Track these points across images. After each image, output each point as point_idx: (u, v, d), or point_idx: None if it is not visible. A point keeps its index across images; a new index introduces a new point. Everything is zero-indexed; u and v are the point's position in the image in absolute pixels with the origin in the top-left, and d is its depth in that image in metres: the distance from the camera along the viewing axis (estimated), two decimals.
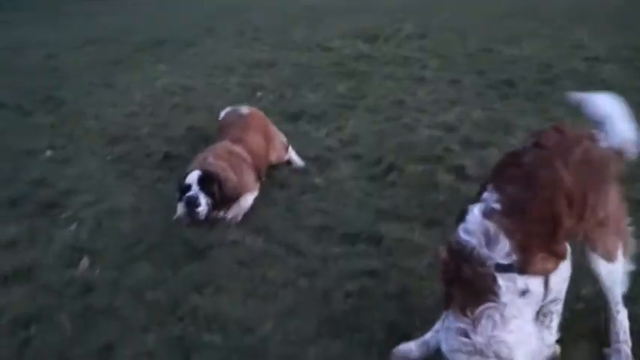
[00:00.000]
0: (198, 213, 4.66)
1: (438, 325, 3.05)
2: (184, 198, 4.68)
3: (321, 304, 3.70)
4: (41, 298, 3.89)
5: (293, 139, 6.12)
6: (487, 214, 2.64)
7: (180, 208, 4.78)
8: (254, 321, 3.56)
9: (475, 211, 2.69)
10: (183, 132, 6.71)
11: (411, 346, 3.17)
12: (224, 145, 5.26)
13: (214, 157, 5.00)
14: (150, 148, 6.31)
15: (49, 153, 6.43)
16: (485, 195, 2.75)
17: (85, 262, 4.26)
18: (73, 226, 4.79)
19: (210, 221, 4.70)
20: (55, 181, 5.64)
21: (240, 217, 4.82)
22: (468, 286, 2.57)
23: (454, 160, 5.51)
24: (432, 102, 7.29)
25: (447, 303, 2.69)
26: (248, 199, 5.00)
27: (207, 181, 4.73)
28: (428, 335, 3.16)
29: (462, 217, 2.76)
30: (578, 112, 3.33)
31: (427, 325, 3.40)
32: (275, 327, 3.50)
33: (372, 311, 3.58)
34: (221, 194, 4.77)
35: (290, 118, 6.97)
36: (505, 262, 2.55)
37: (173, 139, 6.51)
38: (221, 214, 4.81)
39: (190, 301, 3.74)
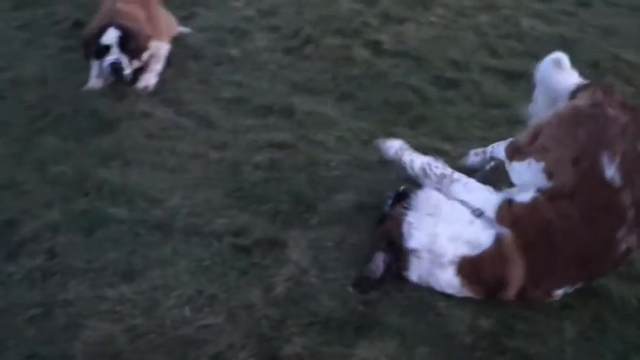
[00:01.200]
0: (125, 76, 4.53)
1: None
2: (108, 64, 4.49)
3: (229, 176, 3.72)
4: None
5: (210, 9, 5.91)
6: None
7: (96, 71, 4.60)
8: (162, 193, 3.55)
9: None
10: None
11: None
12: None
13: (124, 2, 4.74)
14: (58, 15, 5.95)
15: None
16: None
17: None
18: None
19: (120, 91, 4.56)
20: None
21: (152, 83, 4.65)
22: None
23: (371, 35, 5.48)
24: None
25: None
26: (162, 50, 4.88)
27: (126, 40, 4.52)
28: None
29: None
30: None
31: (332, 194, 3.51)
32: (182, 199, 3.51)
33: (279, 182, 3.64)
34: (137, 48, 4.61)
35: None
36: None
37: (84, 5, 6.13)
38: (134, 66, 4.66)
39: (97, 174, 3.67)
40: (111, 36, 4.48)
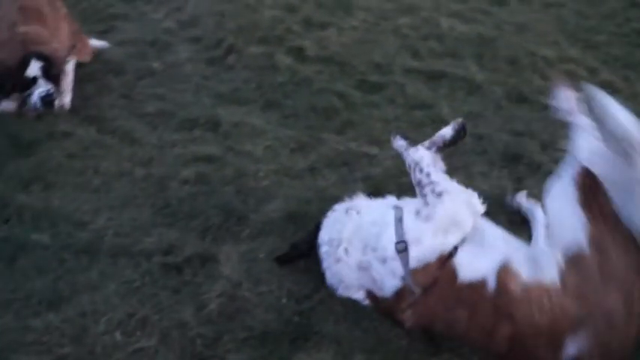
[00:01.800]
0: (56, 106, 4.41)
1: None
2: (39, 97, 4.33)
3: (156, 193, 3.64)
4: None
5: (129, 22, 5.81)
6: None
7: (12, 102, 4.42)
8: (86, 215, 3.45)
9: None
10: None
11: None
12: None
13: (30, 20, 4.52)
14: None
15: None
16: None
17: None
18: None
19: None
20: None
21: (68, 101, 4.51)
22: None
23: (294, 41, 5.50)
24: None
25: None
26: (69, 65, 4.71)
27: (49, 68, 4.40)
28: None
29: None
30: None
31: (262, 205, 3.50)
32: (108, 220, 3.41)
33: (208, 196, 3.59)
34: (58, 73, 4.52)
35: None
36: None
37: None
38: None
39: (17, 200, 3.52)
40: (34, 67, 4.35)
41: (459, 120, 3.07)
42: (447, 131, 3.03)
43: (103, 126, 4.31)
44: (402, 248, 2.68)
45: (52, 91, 4.35)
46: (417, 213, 2.75)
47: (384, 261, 2.73)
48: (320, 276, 2.99)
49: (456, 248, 2.67)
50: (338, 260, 2.88)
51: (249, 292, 2.95)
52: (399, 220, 2.77)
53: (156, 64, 5.15)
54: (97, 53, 5.24)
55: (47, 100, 4.34)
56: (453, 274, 2.61)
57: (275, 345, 2.69)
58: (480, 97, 4.92)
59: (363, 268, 2.80)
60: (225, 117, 4.34)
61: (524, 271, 2.53)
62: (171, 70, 5.09)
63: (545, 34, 6.15)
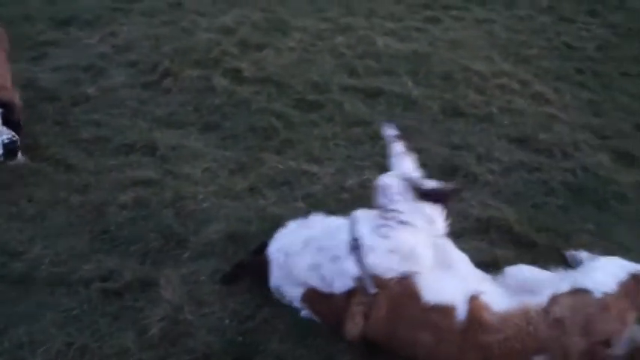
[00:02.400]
0: (19, 156, 3.99)
1: None
2: (1, 145, 3.81)
3: (94, 220, 3.58)
4: None
5: (62, 48, 5.72)
6: None
7: None
8: (21, 245, 3.36)
9: None
10: None
11: None
12: None
13: None
14: None
15: None
16: None
17: None
18: None
19: None
20: None
21: None
22: None
23: (231, 63, 5.51)
24: (210, 4, 7.15)
25: None
26: None
27: (9, 114, 3.96)
28: None
29: None
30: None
31: (202, 227, 3.48)
32: (44, 249, 3.33)
33: (147, 221, 3.55)
34: (18, 120, 4.12)
35: (59, 25, 6.46)
36: None
37: None
38: None
39: None
40: None
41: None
42: (431, 184, 2.98)
43: (37, 154, 4.20)
44: (355, 246, 2.68)
45: (15, 138, 3.86)
46: (377, 227, 2.74)
47: (335, 259, 2.72)
48: (263, 295, 2.99)
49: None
50: (287, 255, 2.86)
51: (191, 315, 2.92)
52: (353, 223, 2.78)
53: (91, 90, 5.06)
54: (31, 80, 5.12)
55: (10, 147, 3.84)
56: (414, 292, 2.61)
57: None
58: (417, 113, 5.01)
59: (313, 267, 2.76)
60: (162, 140, 4.30)
61: (497, 300, 2.60)
62: (107, 95, 5.01)
63: (478, 50, 6.32)
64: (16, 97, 4.21)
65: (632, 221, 3.87)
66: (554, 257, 3.43)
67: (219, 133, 4.52)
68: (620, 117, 5.19)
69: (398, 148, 3.10)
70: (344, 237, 2.75)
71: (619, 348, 2.53)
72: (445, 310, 2.57)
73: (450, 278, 2.68)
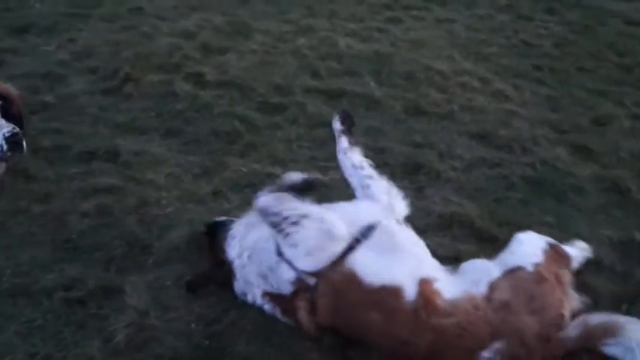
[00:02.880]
0: (24, 147, 3.71)
1: None
2: (3, 138, 3.58)
3: (56, 229, 3.53)
4: None
5: (19, 56, 5.64)
6: None
7: None
8: None
9: None
10: None
11: None
12: None
13: None
14: None
15: None
16: None
17: None
18: None
19: None
20: None
21: None
22: None
23: (193, 68, 5.49)
24: (171, 8, 7.10)
25: None
26: None
27: (9, 105, 3.78)
28: None
29: None
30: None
31: (167, 232, 3.46)
32: (5, 260, 3.28)
33: (110, 228, 3.52)
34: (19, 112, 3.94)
35: (16, 32, 6.35)
36: None
37: None
38: None
39: None
40: None
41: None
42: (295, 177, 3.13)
43: None
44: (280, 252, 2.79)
45: (16, 130, 3.64)
46: (283, 240, 2.79)
47: (272, 269, 2.80)
48: (229, 299, 2.99)
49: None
50: (242, 266, 2.95)
51: (157, 320, 2.91)
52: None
53: (49, 98, 4.98)
54: None
55: (14, 140, 3.60)
56: (353, 276, 2.66)
57: None
58: (380, 112, 5.05)
59: (262, 276, 2.86)
60: (124, 147, 4.26)
61: (448, 288, 2.66)
62: (66, 102, 4.95)
63: (440, 49, 6.39)
64: (11, 88, 4.02)
65: (590, 213, 3.95)
66: None
67: (182, 138, 4.50)
68: (578, 112, 5.29)
69: (344, 143, 3.19)
70: (271, 246, 2.83)
71: (572, 329, 2.60)
72: (392, 291, 2.62)
73: (395, 261, 2.71)
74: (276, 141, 4.53)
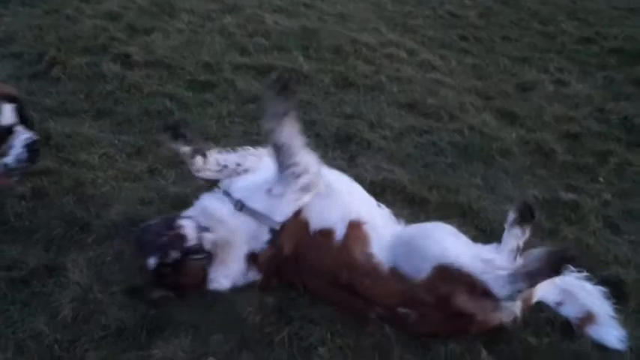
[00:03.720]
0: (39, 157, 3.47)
1: None
2: (24, 146, 3.27)
3: None
4: None
5: None
6: None
7: None
8: None
9: None
10: None
11: None
12: None
13: None
14: None
15: None
16: None
17: None
18: None
19: None
20: None
21: None
22: None
23: (120, 48, 5.49)
24: None
25: None
26: None
27: (22, 108, 3.39)
28: None
29: None
30: None
31: (104, 210, 3.52)
32: None
33: (48, 209, 3.55)
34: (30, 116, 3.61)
35: None
36: None
37: None
38: None
39: None
40: (8, 112, 3.28)
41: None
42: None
43: None
44: (240, 207, 3.07)
45: (36, 137, 3.37)
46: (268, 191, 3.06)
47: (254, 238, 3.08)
48: None
49: None
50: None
51: (101, 294, 2.99)
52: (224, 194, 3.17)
53: None
54: None
55: (34, 148, 3.32)
56: (305, 224, 3.00)
57: (132, 338, 2.79)
58: (309, 86, 5.20)
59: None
60: (55, 130, 4.25)
61: (381, 233, 3.01)
62: None
63: (366, 22, 6.58)
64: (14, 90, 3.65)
65: (516, 174, 4.23)
66: (445, 211, 3.75)
67: (114, 118, 4.53)
68: (503, 79, 5.58)
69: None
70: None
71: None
72: (326, 233, 2.97)
73: (332, 206, 3.02)
74: (208, 118, 4.63)
